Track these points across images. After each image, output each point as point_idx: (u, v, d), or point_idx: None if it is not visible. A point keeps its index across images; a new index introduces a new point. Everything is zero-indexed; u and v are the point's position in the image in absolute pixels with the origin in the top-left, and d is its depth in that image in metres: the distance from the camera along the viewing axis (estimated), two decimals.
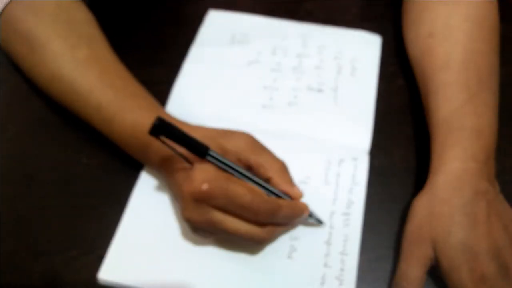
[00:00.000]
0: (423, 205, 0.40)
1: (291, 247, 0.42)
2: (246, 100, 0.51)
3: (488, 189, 0.40)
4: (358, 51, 0.56)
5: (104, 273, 0.40)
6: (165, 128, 0.35)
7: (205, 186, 0.35)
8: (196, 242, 0.42)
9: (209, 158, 0.37)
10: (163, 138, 0.35)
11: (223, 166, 0.37)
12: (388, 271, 0.42)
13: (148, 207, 0.44)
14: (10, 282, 0.41)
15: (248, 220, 0.37)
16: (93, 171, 0.46)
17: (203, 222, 0.37)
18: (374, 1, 0.62)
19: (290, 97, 0.52)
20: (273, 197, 0.39)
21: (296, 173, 0.46)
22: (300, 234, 0.43)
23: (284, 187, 0.40)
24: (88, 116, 0.44)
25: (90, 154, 0.47)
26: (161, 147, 0.37)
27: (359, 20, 0.59)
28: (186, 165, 0.38)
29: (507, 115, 0.47)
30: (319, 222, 0.43)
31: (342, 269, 0.41)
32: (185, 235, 0.42)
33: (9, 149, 0.48)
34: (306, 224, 0.43)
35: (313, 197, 0.43)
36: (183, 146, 0.36)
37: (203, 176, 0.36)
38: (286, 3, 0.61)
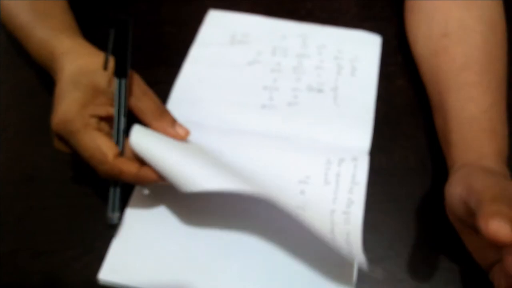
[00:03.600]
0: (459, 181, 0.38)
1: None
2: (246, 100, 0.51)
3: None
4: (358, 51, 0.56)
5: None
6: (121, 29, 0.38)
7: (57, 126, 0.39)
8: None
9: (117, 81, 0.39)
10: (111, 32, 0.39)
11: (117, 99, 0.40)
12: (388, 271, 0.42)
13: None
14: (10, 282, 0.41)
15: None
16: (93, 171, 0.46)
17: (66, 151, 0.41)
18: (374, 1, 0.62)
19: (290, 97, 0.52)
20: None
21: (296, 173, 0.46)
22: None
23: (163, 132, 0.42)
24: (18, 35, 0.48)
25: None
26: (62, 67, 0.41)
27: (359, 20, 0.59)
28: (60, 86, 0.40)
29: (507, 115, 0.47)
30: None
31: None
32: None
33: (9, 149, 0.48)
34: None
35: (313, 197, 0.43)
36: (116, 53, 0.39)
37: (61, 115, 0.38)
38: (286, 3, 0.61)
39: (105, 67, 0.39)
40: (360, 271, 0.41)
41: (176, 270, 0.41)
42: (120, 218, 0.43)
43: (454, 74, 0.46)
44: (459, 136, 0.43)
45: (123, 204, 0.44)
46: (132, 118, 0.42)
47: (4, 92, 0.52)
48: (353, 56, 0.55)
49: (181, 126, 0.43)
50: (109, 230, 0.42)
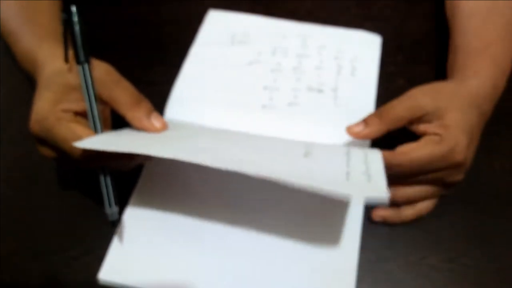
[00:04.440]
0: (443, 89, 0.42)
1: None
2: (246, 100, 0.51)
3: (488, 114, 0.43)
4: (358, 51, 0.56)
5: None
6: (69, 19, 0.38)
7: (33, 128, 0.38)
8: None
9: (79, 68, 0.38)
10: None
11: (84, 87, 0.39)
12: (388, 271, 0.42)
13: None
14: (10, 282, 0.41)
15: None
16: (93, 171, 0.46)
17: (51, 157, 0.40)
18: (374, 1, 0.62)
19: (290, 97, 0.52)
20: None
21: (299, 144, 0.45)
22: None
23: (137, 123, 0.40)
24: (6, 41, 0.48)
25: None
26: (41, 74, 0.40)
27: (359, 20, 0.59)
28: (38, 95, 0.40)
29: (507, 115, 0.47)
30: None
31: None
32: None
33: (9, 150, 0.48)
34: None
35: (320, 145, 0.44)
36: (74, 41, 0.39)
37: (36, 115, 0.38)
38: (286, 3, 0.61)
39: (66, 59, 0.39)
40: (360, 270, 0.41)
41: (176, 270, 0.41)
42: (120, 213, 0.42)
43: (464, 20, 0.49)
44: (464, 54, 0.46)
45: (120, 200, 0.43)
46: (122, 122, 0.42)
47: (4, 93, 0.52)
48: (353, 56, 0.55)
49: (157, 117, 0.41)
50: (109, 230, 0.42)
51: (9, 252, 0.42)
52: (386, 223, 0.43)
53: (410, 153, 0.39)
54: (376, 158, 0.38)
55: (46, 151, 0.40)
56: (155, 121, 0.41)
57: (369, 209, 0.44)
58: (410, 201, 0.43)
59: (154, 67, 0.54)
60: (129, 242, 0.42)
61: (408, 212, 0.43)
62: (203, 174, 0.46)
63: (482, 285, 0.41)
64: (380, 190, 0.34)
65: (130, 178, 0.46)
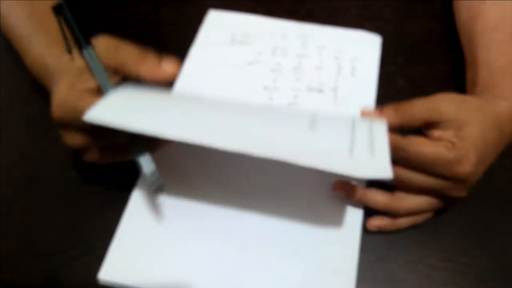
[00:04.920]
0: (467, 105, 0.40)
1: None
2: (246, 100, 0.51)
3: (510, 136, 0.41)
4: (358, 51, 0.56)
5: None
6: (64, 10, 0.39)
7: (56, 113, 0.38)
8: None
9: (84, 52, 0.39)
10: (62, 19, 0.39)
11: (91, 68, 0.39)
12: (388, 271, 0.42)
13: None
14: (10, 282, 0.41)
15: None
16: (93, 171, 0.46)
17: (76, 145, 0.40)
18: (374, 1, 0.62)
19: (290, 97, 0.52)
20: None
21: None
22: None
23: (149, 75, 0.39)
24: (15, 47, 0.48)
25: None
26: (53, 81, 0.40)
27: (359, 20, 0.59)
28: (53, 80, 0.40)
29: None
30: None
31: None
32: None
33: (9, 149, 0.48)
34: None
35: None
36: (72, 31, 0.39)
37: (56, 100, 0.38)
38: (286, 3, 0.61)
39: (69, 51, 0.40)
40: (360, 270, 0.41)
41: (176, 270, 0.41)
42: (120, 213, 0.42)
43: (486, 33, 0.47)
44: (485, 76, 0.45)
45: (121, 199, 0.43)
46: None
47: (4, 93, 0.52)
48: (353, 56, 0.55)
49: (167, 61, 0.40)
50: (109, 230, 0.42)
51: (9, 252, 0.42)
52: (380, 232, 0.43)
53: (419, 144, 0.38)
54: (381, 130, 0.38)
55: (71, 138, 0.40)
56: (166, 66, 0.40)
57: (366, 214, 0.44)
58: (411, 213, 0.43)
59: None
60: (129, 242, 0.42)
61: (404, 221, 0.43)
62: (204, 171, 0.46)
63: (482, 284, 0.41)
64: (383, 169, 0.34)
65: (130, 178, 0.46)
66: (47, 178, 0.46)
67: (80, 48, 0.39)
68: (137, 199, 0.44)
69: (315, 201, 0.44)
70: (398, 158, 0.38)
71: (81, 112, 0.36)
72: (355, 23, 0.59)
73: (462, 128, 0.38)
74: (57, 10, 0.39)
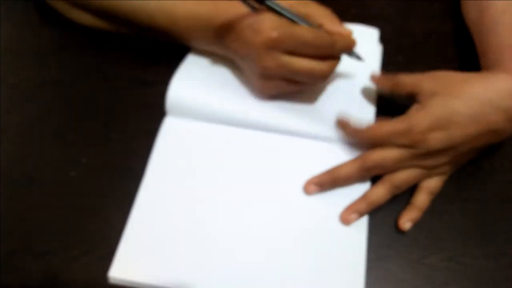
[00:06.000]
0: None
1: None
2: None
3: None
4: (359, 48, 0.56)
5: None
6: None
7: (274, 33, 0.42)
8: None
9: (268, 2, 0.42)
10: None
11: (282, 11, 0.43)
12: (388, 270, 0.42)
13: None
14: (10, 282, 0.41)
15: (311, 57, 0.43)
16: (93, 171, 0.46)
17: (276, 67, 0.43)
18: (374, 1, 0.62)
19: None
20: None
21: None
22: None
23: (335, 28, 0.44)
24: (150, 11, 0.49)
25: (90, 154, 0.47)
26: (225, 15, 0.44)
27: (359, 20, 0.59)
28: (250, 20, 0.43)
29: None
30: (359, 59, 0.47)
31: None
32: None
33: (9, 149, 0.48)
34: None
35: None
36: None
37: (270, 25, 0.42)
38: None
39: (254, 10, 0.43)
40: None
41: (186, 266, 0.41)
42: (128, 212, 0.42)
43: (495, 20, 0.48)
44: (493, 56, 0.46)
45: (129, 199, 0.43)
46: None
47: (4, 93, 0.52)
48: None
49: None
50: (109, 230, 0.42)
51: (9, 252, 0.42)
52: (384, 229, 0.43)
53: (383, 123, 0.43)
54: None
55: (274, 60, 0.43)
56: (346, 28, 0.45)
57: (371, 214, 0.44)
58: (407, 184, 0.44)
59: (154, 67, 0.54)
60: (139, 239, 0.42)
61: (423, 198, 0.45)
62: (213, 168, 0.46)
63: (481, 284, 0.41)
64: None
65: (130, 178, 0.46)
66: (47, 178, 0.46)
67: (260, 2, 0.42)
68: (145, 195, 0.44)
69: (322, 198, 0.45)
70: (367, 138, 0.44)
71: (300, 30, 0.42)
72: (355, 23, 0.59)
73: (427, 99, 0.42)
74: None
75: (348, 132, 0.46)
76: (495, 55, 0.46)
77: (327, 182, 0.44)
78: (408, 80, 0.45)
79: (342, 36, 0.44)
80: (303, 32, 0.42)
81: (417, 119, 0.42)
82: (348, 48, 0.46)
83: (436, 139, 0.41)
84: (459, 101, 0.41)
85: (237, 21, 0.44)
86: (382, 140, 0.43)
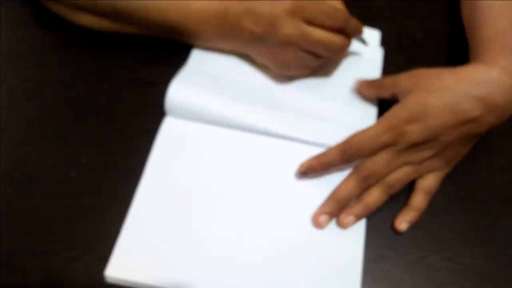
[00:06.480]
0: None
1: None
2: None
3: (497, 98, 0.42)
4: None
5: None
6: None
7: (298, 4, 0.45)
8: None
9: None
10: None
11: None
12: (388, 270, 0.42)
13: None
14: (10, 282, 0.41)
15: (329, 29, 0.46)
16: (93, 171, 0.46)
17: (297, 35, 0.45)
18: (374, 1, 0.62)
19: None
20: None
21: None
22: None
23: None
24: (162, 7, 0.49)
25: (90, 154, 0.47)
26: (240, 3, 0.46)
27: (359, 20, 0.59)
28: None
29: None
30: (364, 43, 0.51)
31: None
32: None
33: (9, 149, 0.48)
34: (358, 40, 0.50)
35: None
36: None
37: None
38: None
39: None
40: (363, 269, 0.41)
41: (183, 266, 0.41)
42: (125, 214, 0.42)
43: (484, 11, 0.49)
44: (478, 47, 0.46)
45: (127, 198, 0.43)
46: None
47: (4, 93, 0.52)
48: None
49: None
50: (109, 230, 0.42)
51: (9, 252, 0.42)
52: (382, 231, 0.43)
53: (360, 131, 0.44)
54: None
55: (304, 28, 0.45)
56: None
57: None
58: (400, 182, 0.44)
59: (154, 67, 0.54)
60: (136, 238, 0.42)
61: (420, 200, 0.45)
62: (212, 168, 0.46)
63: (482, 284, 0.41)
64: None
65: (130, 178, 0.46)
66: (47, 178, 0.46)
67: None
68: (142, 194, 0.44)
69: (320, 200, 0.44)
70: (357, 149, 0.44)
71: (321, 4, 0.45)
72: None
73: (404, 97, 0.43)
74: None
75: (338, 158, 0.45)
76: (477, 49, 0.46)
77: (334, 209, 0.44)
78: (388, 82, 0.47)
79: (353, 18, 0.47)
80: (323, 1, 0.45)
81: (393, 114, 0.43)
82: (358, 29, 0.48)
83: (414, 131, 0.42)
84: (432, 94, 0.42)
85: (254, 1, 0.46)
86: (367, 146, 0.43)
